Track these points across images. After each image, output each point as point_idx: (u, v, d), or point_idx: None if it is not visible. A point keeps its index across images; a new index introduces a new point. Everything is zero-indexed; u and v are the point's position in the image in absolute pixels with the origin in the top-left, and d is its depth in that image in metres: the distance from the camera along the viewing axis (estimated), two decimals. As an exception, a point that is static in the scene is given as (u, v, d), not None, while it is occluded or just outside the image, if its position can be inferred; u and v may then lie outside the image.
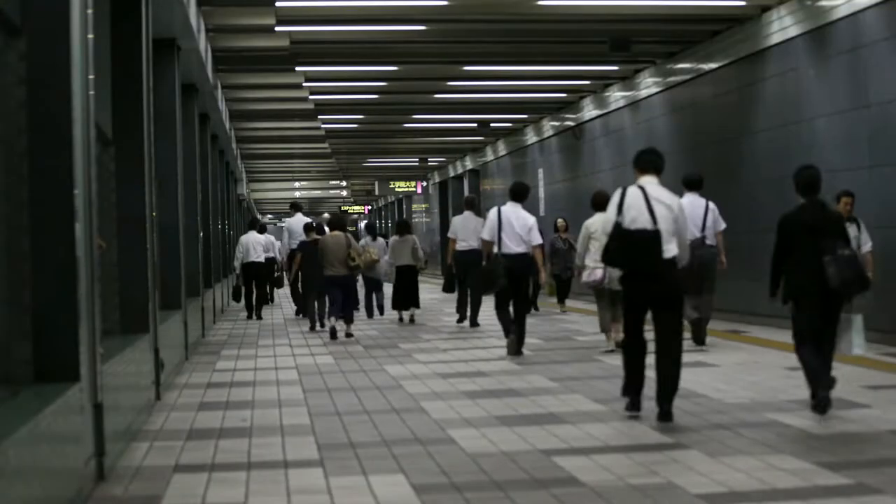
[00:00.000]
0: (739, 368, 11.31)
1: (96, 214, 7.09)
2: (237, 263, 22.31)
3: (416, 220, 50.45)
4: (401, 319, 19.32)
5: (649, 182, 8.69)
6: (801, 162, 15.14)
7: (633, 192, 8.57)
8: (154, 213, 10.88)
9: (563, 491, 6.19)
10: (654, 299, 8.46)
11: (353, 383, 11.22)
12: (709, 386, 10.09)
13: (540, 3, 15.35)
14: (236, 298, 23.54)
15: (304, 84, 21.17)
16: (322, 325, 17.93)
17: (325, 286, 16.76)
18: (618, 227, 8.44)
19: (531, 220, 12.96)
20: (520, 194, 13.29)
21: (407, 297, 19.14)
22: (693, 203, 12.48)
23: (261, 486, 6.60)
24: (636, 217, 8.45)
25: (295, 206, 22.85)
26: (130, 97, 10.45)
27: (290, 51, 17.62)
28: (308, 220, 20.70)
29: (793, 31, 15.14)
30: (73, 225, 6.37)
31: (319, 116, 26.65)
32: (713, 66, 17.76)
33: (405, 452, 7.45)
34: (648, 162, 8.90)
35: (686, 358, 12.21)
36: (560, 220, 21.50)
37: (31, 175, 6.27)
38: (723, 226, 13.31)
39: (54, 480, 5.56)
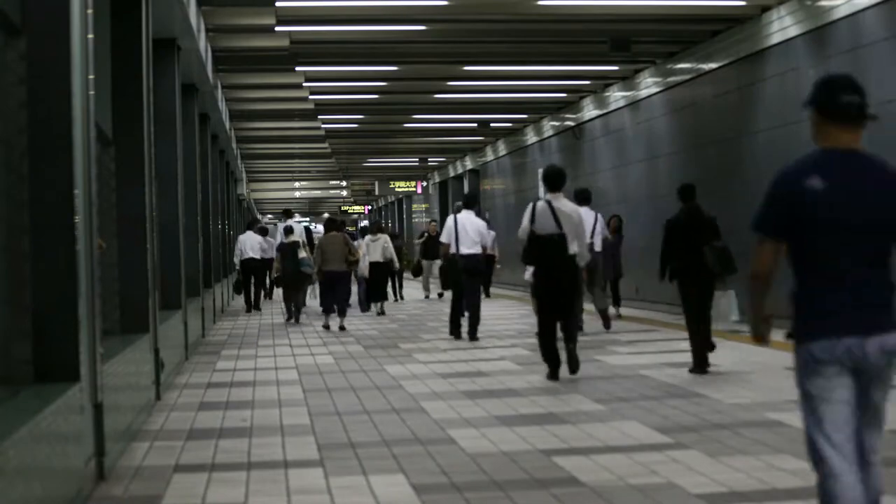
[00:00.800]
0: (739, 368, 11.31)
1: (96, 214, 7.09)
2: (236, 260, 24.33)
3: (416, 219, 50.46)
4: (380, 311, 21.35)
5: (555, 197, 10.93)
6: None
7: (541, 205, 10.88)
8: (154, 213, 10.88)
9: (563, 491, 6.19)
10: (561, 287, 10.76)
11: (353, 383, 11.22)
12: (709, 386, 10.09)
13: (540, 3, 15.35)
14: (237, 291, 25.17)
15: (304, 84, 21.18)
16: (297, 320, 20.13)
17: (323, 281, 18.20)
18: (532, 233, 10.81)
19: (483, 225, 15.56)
20: (470, 203, 15.70)
21: (377, 291, 21.39)
22: (585, 214, 13.53)
23: (261, 486, 6.60)
24: (545, 224, 10.73)
25: (287, 213, 26.10)
26: (130, 97, 10.45)
27: (290, 51, 17.63)
28: (288, 223, 22.79)
29: (793, 31, 15.14)
30: (73, 225, 6.38)
31: (319, 116, 26.66)
32: (713, 66, 17.77)
33: (405, 452, 7.45)
34: (555, 183, 11.13)
35: (686, 358, 12.24)
36: (614, 219, 18.81)
37: (31, 175, 6.27)
38: (605, 234, 16.48)
39: (54, 480, 5.56)
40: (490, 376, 11.34)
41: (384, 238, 21.28)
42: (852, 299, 4.36)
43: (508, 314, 20.25)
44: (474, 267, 15.18)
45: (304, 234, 24.59)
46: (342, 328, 17.57)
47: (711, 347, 11.19)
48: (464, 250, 15.02)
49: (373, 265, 20.86)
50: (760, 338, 4.57)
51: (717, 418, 8.38)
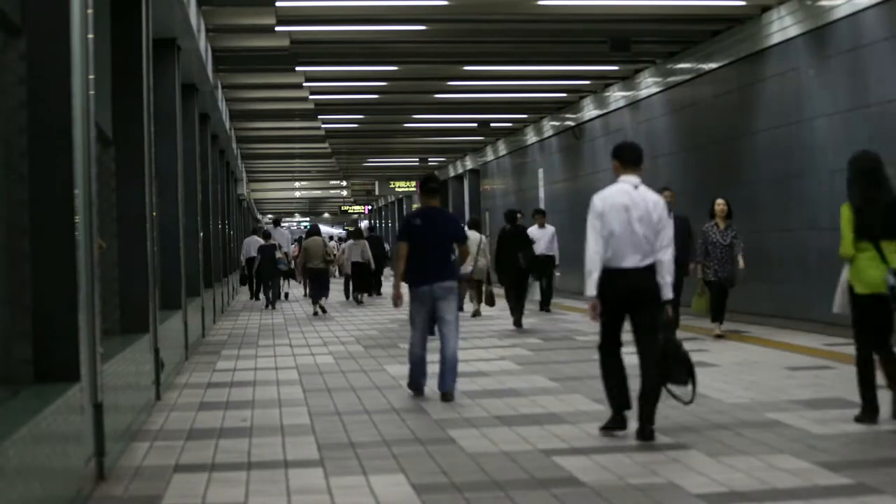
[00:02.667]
0: (739, 368, 11.31)
1: (96, 214, 7.09)
2: (242, 259, 29.20)
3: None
4: (360, 301, 25.85)
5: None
6: (802, 162, 15.20)
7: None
8: (154, 213, 10.88)
9: (564, 491, 6.19)
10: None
11: (353, 383, 11.22)
12: (709, 386, 10.08)
13: (540, 3, 15.35)
14: (242, 283, 30.68)
15: (304, 84, 21.18)
16: (273, 307, 25.17)
17: (307, 276, 23.90)
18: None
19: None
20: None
21: (358, 286, 26.32)
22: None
23: (261, 486, 6.60)
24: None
25: (276, 222, 35.46)
26: (130, 97, 10.45)
27: (290, 51, 17.63)
28: (266, 229, 29.89)
29: (793, 31, 15.14)
30: (73, 225, 6.38)
31: (319, 116, 26.66)
32: (713, 66, 17.76)
33: (405, 452, 7.45)
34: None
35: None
36: (720, 201, 14.33)
37: (31, 175, 6.27)
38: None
39: (54, 480, 5.56)
40: (490, 376, 11.33)
41: (363, 242, 26.31)
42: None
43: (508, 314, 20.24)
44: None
45: (289, 238, 31.70)
46: (324, 310, 22.28)
47: (519, 316, 17.09)
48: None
49: (354, 264, 25.94)
50: None
51: (717, 418, 8.37)
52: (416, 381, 10.07)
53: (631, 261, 7.59)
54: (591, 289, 7.60)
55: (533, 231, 19.34)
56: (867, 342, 7.94)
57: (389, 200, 61.65)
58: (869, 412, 7.84)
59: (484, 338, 15.67)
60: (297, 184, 50.96)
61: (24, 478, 4.85)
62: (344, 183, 50.44)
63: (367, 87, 23.15)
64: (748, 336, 14.51)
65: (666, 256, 7.65)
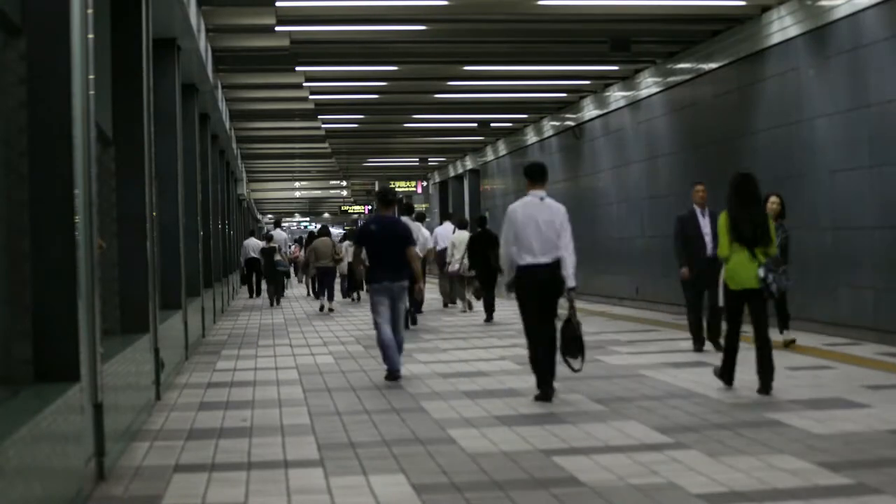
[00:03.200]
0: (740, 368, 11.30)
1: (96, 214, 7.09)
2: (242, 259, 31.66)
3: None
4: (356, 299, 27.44)
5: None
6: (802, 162, 15.20)
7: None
8: (154, 213, 10.88)
9: (563, 491, 6.19)
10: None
11: (353, 383, 11.22)
12: (709, 386, 10.08)
13: (540, 3, 15.35)
14: (243, 282, 33.36)
15: (304, 84, 21.18)
16: (277, 303, 27.50)
17: (317, 275, 25.74)
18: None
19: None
20: (409, 209, 18.58)
21: (353, 285, 27.61)
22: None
23: (261, 486, 6.60)
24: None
25: (276, 223, 36.08)
26: (130, 97, 10.45)
27: (290, 51, 17.62)
28: (270, 233, 31.14)
29: (793, 31, 15.14)
30: (73, 225, 6.37)
31: (319, 116, 26.66)
32: (713, 66, 17.76)
33: (405, 452, 7.45)
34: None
35: (686, 358, 12.26)
36: (774, 199, 12.84)
37: (31, 175, 6.27)
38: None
39: (54, 480, 5.56)
40: (490, 376, 11.33)
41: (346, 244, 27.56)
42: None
43: (509, 314, 20.24)
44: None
45: (286, 239, 32.37)
46: (331, 309, 23.31)
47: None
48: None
49: (351, 265, 25.72)
50: None
51: (717, 418, 8.38)
52: (393, 364, 11.29)
53: (541, 258, 9.50)
54: (508, 279, 9.77)
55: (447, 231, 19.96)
56: (736, 327, 9.83)
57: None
58: (728, 377, 9.93)
59: (484, 338, 15.68)
60: (297, 184, 50.96)
61: (24, 478, 4.85)
62: (344, 183, 50.43)
63: (367, 87, 23.14)
64: (748, 336, 14.50)
65: (567, 253, 9.48)
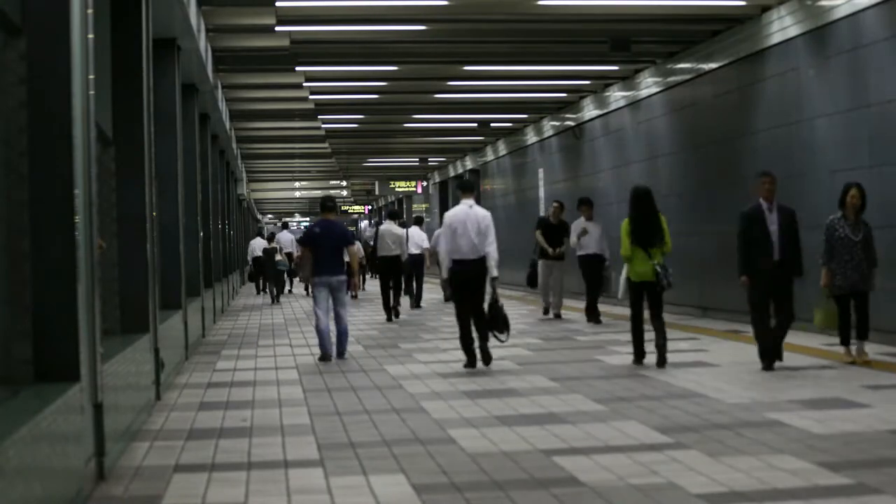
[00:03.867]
0: (739, 368, 11.31)
1: (96, 214, 7.09)
2: (249, 258, 33.32)
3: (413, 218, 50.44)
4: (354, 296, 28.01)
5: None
6: (802, 162, 15.20)
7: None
8: (154, 213, 10.88)
9: (563, 491, 6.19)
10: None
11: (353, 383, 11.22)
12: (709, 386, 10.09)
13: (540, 3, 15.35)
14: (251, 279, 35.85)
15: (304, 84, 21.18)
16: (277, 301, 28.98)
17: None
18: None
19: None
20: (394, 215, 19.00)
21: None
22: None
23: (261, 486, 6.60)
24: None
25: (284, 226, 41.50)
26: (130, 97, 10.45)
27: (290, 51, 17.62)
28: (273, 233, 33.74)
29: (793, 31, 15.14)
30: (73, 225, 6.37)
31: (319, 116, 26.66)
32: (713, 66, 17.76)
33: (405, 452, 7.45)
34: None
35: (685, 358, 12.27)
36: (853, 192, 11.53)
37: (31, 175, 6.27)
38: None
39: (54, 480, 5.56)
40: (490, 376, 11.33)
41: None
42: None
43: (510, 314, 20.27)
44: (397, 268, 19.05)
45: (292, 240, 33.57)
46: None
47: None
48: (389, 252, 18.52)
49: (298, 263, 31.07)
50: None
51: (717, 418, 8.38)
52: (325, 349, 13.38)
53: (469, 255, 11.93)
54: (445, 273, 12.44)
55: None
56: (639, 311, 11.93)
57: (389, 200, 61.63)
58: (638, 356, 11.91)
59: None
60: (297, 184, 50.94)
61: (24, 478, 4.84)
62: (344, 183, 50.42)
63: (367, 87, 23.14)
64: (748, 336, 14.50)
65: (490, 250, 11.88)
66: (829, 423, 7.99)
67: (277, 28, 15.96)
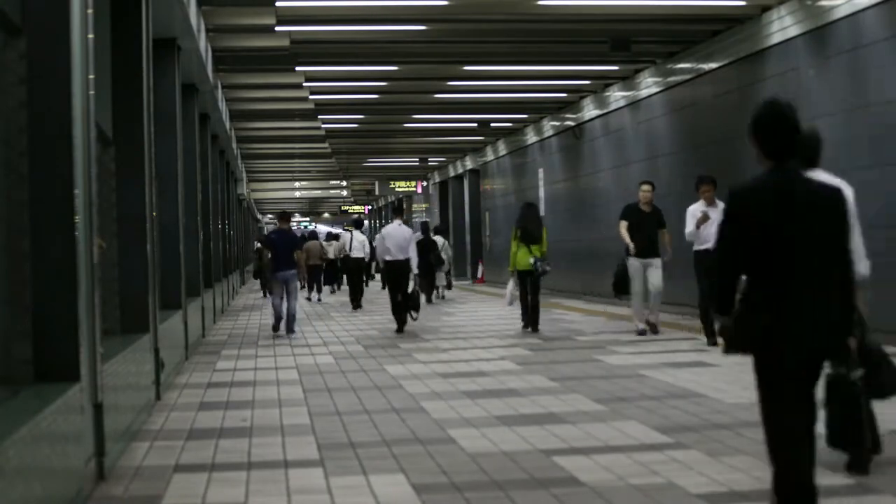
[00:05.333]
0: (739, 368, 11.31)
1: (96, 214, 7.09)
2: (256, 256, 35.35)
3: (416, 220, 50.46)
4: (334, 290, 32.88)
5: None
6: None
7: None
8: (154, 213, 10.88)
9: (563, 491, 6.19)
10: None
11: (354, 383, 11.23)
12: (709, 386, 10.09)
13: (540, 3, 15.35)
14: (255, 277, 35.56)
15: (304, 84, 21.18)
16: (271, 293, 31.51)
17: (309, 272, 29.86)
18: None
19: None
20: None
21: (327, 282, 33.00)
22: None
23: (261, 486, 6.60)
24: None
25: (312, 234, 38.82)
26: (130, 97, 10.45)
27: (290, 51, 17.62)
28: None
29: (793, 31, 15.14)
30: (73, 225, 6.37)
31: (319, 116, 26.65)
32: (713, 66, 17.77)
33: (405, 452, 7.45)
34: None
35: (686, 358, 12.27)
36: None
37: (31, 175, 6.26)
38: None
39: (54, 480, 5.56)
40: (490, 376, 11.34)
41: (336, 244, 31.41)
42: None
43: (509, 314, 20.25)
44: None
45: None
46: (319, 299, 29.04)
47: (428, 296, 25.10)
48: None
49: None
50: None
51: (717, 418, 8.38)
52: (277, 324, 17.97)
53: (398, 256, 17.23)
54: (382, 268, 17.60)
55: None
56: (524, 291, 16.32)
57: (389, 200, 61.63)
58: (527, 324, 16.44)
59: (484, 338, 15.68)
60: (297, 184, 50.94)
61: (24, 478, 4.85)
62: (344, 183, 50.42)
63: (367, 87, 23.14)
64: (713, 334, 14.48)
65: (413, 254, 17.20)
66: (829, 423, 7.98)
67: (277, 28, 15.96)
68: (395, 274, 17.30)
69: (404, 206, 30.20)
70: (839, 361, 5.78)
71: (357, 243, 26.38)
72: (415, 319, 17.37)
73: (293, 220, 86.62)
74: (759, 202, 4.47)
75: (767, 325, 4.40)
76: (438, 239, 26.80)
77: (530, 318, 16.47)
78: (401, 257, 17.12)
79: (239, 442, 8.07)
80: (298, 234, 26.81)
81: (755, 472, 6.45)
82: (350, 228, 29.27)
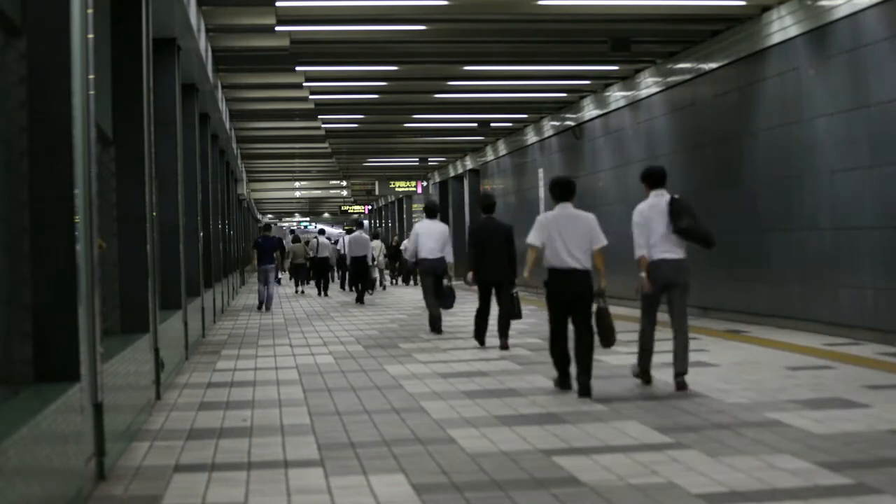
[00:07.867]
0: (739, 368, 11.31)
1: (96, 214, 7.09)
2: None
3: (416, 219, 50.47)
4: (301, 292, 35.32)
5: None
6: (802, 162, 15.20)
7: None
8: (154, 213, 10.88)
9: (563, 491, 6.19)
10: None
11: (354, 383, 11.23)
12: (709, 386, 10.09)
13: (540, 3, 15.35)
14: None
15: (304, 84, 21.18)
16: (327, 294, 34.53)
17: (292, 270, 37.40)
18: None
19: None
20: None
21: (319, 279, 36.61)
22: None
23: (261, 486, 6.60)
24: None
25: (321, 231, 40.55)
26: (130, 97, 10.44)
27: (290, 51, 17.63)
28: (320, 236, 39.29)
29: (793, 31, 15.14)
30: (73, 225, 6.37)
31: (319, 116, 26.66)
32: (713, 66, 17.77)
33: (405, 452, 7.45)
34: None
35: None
36: None
37: (31, 175, 6.26)
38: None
39: (54, 480, 5.56)
40: (490, 376, 11.34)
41: (312, 243, 36.30)
42: None
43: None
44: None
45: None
46: (303, 292, 34.55)
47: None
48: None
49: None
50: None
51: (717, 418, 8.38)
52: (260, 303, 24.47)
53: (359, 253, 26.11)
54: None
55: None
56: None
57: (389, 200, 61.64)
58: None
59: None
60: (297, 184, 50.96)
61: (24, 478, 4.84)
62: (344, 183, 50.43)
63: (367, 87, 23.15)
64: (748, 336, 14.51)
65: (376, 252, 28.64)
66: (828, 422, 7.99)
67: (277, 28, 15.97)
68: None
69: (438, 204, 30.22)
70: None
71: (322, 246, 33.09)
72: (370, 294, 22.12)
73: (292, 220, 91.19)
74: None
75: None
76: (377, 243, 33.03)
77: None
78: (362, 253, 23.25)
79: (239, 442, 8.07)
80: (291, 235, 31.89)
81: (755, 473, 6.45)
82: (352, 228, 33.41)
